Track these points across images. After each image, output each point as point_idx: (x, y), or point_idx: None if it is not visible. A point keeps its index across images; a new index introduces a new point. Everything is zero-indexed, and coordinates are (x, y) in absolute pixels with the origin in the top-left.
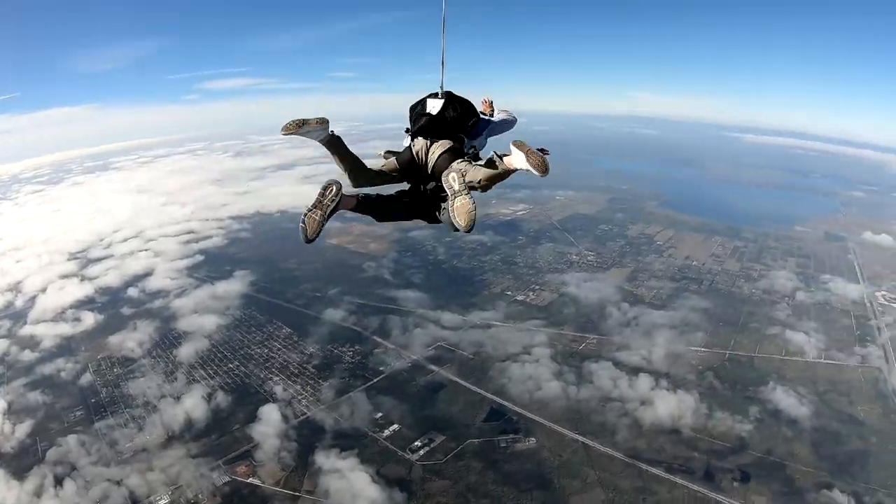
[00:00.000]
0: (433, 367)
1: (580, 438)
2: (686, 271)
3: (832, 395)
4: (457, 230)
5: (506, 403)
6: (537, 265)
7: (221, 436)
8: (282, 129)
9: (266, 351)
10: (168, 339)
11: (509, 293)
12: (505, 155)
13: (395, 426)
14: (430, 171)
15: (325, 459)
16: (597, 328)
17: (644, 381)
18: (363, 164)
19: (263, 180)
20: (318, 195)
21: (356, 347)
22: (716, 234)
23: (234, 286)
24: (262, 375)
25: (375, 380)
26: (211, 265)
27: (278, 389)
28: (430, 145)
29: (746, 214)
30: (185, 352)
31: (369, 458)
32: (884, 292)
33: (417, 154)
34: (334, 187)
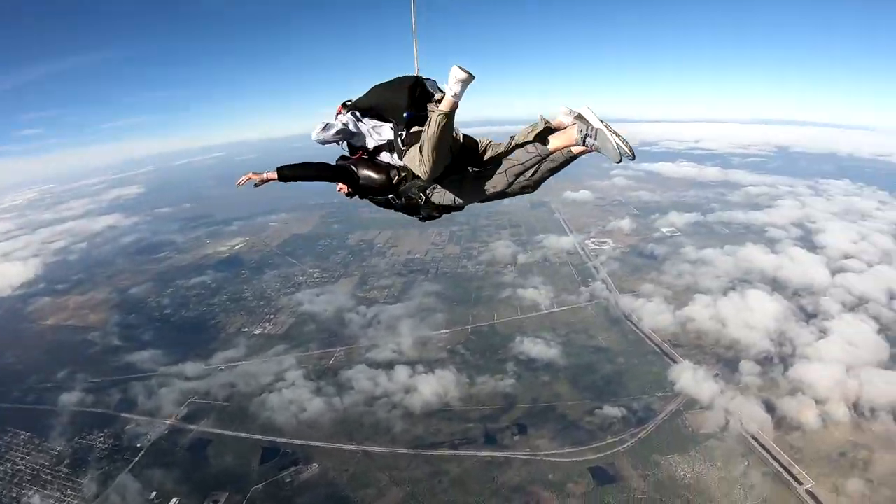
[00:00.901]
0: (192, 426)
1: (359, 447)
2: (411, 265)
3: (573, 334)
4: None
5: (277, 439)
6: (267, 294)
7: None
8: (459, 75)
9: (9, 465)
10: None
11: (246, 329)
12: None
13: (174, 500)
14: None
15: None
16: (342, 337)
17: (402, 372)
18: None
19: None
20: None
21: (106, 430)
22: (431, 225)
23: None
24: (13, 494)
25: (137, 457)
26: None
27: (36, 502)
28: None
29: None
30: None
31: None
32: (592, 238)
33: (455, 135)
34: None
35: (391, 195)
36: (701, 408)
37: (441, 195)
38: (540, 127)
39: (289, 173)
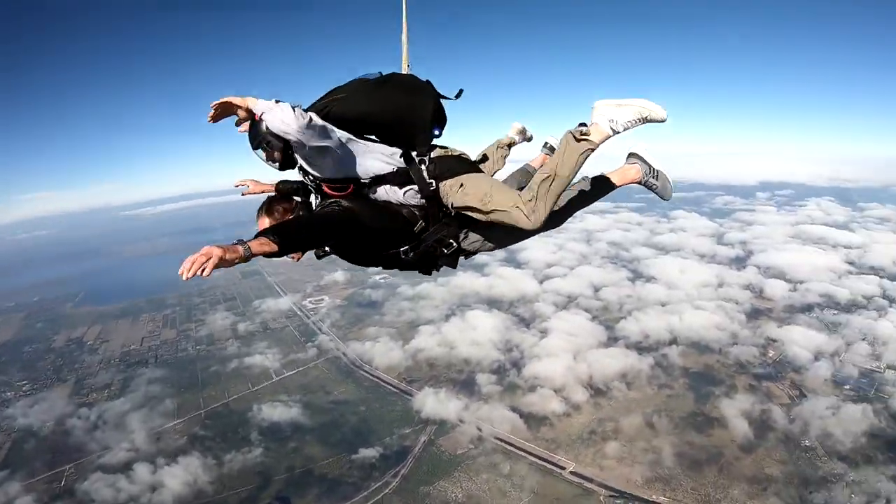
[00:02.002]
0: None
1: None
2: (128, 357)
3: (310, 394)
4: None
5: None
6: None
7: None
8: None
9: None
10: None
11: None
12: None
13: None
14: None
15: None
16: (68, 448)
17: (142, 470)
18: None
19: None
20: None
21: None
22: (142, 312)
23: None
24: None
25: None
26: None
27: None
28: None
29: (165, 283)
30: None
31: None
32: (309, 298)
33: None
34: None
35: (406, 247)
36: (452, 427)
37: (477, 241)
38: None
39: (292, 240)
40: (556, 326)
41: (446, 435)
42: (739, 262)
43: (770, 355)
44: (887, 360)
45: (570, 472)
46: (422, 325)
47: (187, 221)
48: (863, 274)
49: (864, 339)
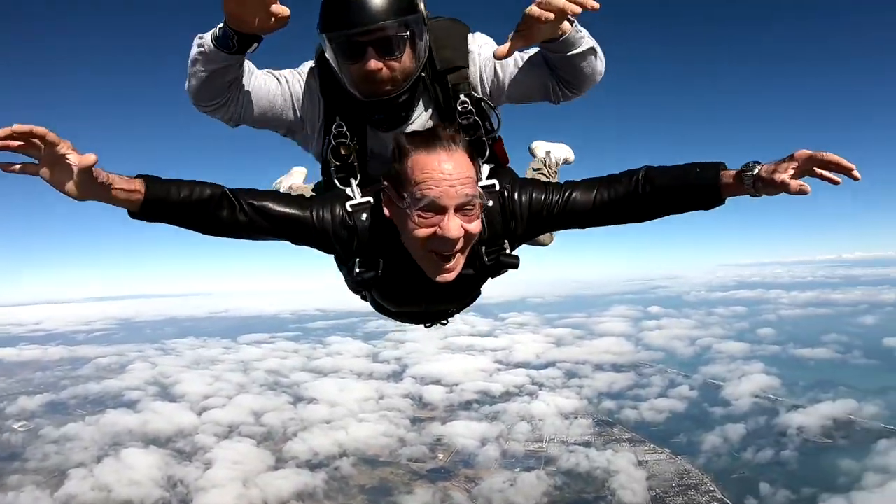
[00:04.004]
0: None
1: None
2: None
3: None
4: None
5: None
6: None
7: None
8: None
9: None
10: None
11: None
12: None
13: None
14: None
15: None
16: None
17: None
18: None
19: None
20: None
21: None
22: None
23: None
24: None
25: None
26: None
27: None
28: None
29: None
30: None
31: None
32: None
33: None
34: None
35: None
36: None
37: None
38: None
39: None
40: (220, 456)
41: None
42: (396, 376)
43: (440, 458)
44: (547, 434)
45: None
46: (71, 469)
47: None
48: (511, 369)
49: (522, 420)
